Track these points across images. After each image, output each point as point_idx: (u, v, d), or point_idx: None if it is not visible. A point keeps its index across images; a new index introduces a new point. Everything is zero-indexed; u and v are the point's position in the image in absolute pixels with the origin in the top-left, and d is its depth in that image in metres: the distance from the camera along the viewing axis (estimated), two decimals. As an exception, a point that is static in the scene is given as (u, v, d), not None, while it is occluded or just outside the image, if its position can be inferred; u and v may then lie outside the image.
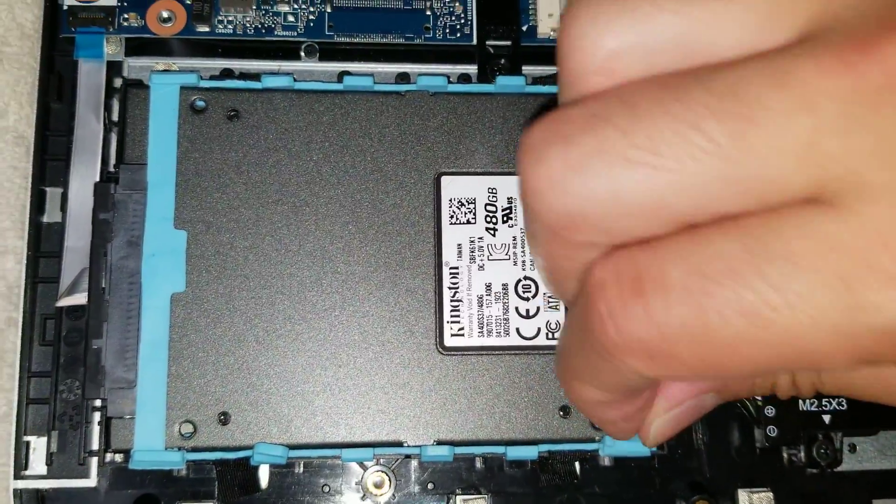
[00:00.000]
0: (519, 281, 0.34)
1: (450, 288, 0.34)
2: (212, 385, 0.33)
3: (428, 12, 0.38)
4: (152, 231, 0.33)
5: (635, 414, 0.25)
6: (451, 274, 0.34)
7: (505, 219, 0.34)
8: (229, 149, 0.34)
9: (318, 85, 0.35)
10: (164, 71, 0.36)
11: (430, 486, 0.35)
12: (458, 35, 0.38)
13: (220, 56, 0.37)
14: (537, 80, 0.36)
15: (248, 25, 0.37)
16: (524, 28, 0.38)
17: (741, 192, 0.17)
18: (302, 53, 0.37)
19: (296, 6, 0.37)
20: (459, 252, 0.34)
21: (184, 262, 0.33)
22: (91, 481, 0.34)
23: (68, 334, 0.35)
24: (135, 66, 0.37)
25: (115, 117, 0.36)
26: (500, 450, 0.33)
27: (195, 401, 0.32)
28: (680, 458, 0.35)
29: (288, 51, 0.37)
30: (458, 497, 0.34)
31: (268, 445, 0.32)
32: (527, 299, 0.34)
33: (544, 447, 0.33)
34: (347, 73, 0.37)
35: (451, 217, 0.34)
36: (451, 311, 0.34)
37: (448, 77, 0.36)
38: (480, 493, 0.34)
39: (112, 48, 0.37)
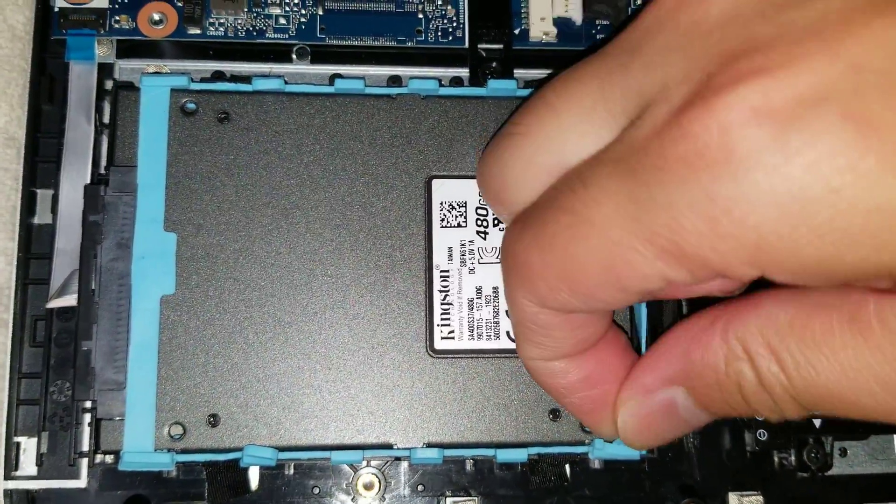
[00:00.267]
0: (509, 284, 0.34)
1: (440, 291, 0.33)
2: (201, 387, 0.32)
3: (420, 15, 0.37)
4: (142, 233, 0.33)
5: (592, 395, 0.25)
6: (441, 277, 0.33)
7: (496, 222, 0.34)
8: (220, 151, 0.34)
9: (309, 88, 0.35)
10: (155, 73, 0.35)
11: (419, 488, 0.34)
12: (450, 38, 0.37)
13: (212, 58, 0.36)
14: (529, 84, 0.36)
15: (239, 28, 0.36)
16: (516, 31, 0.38)
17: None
18: (293, 56, 0.37)
19: (287, 9, 0.37)
20: (450, 255, 0.34)
21: (173, 264, 0.33)
22: (81, 482, 0.33)
23: (58, 336, 0.34)
24: (126, 68, 0.36)
25: (105, 119, 0.35)
26: (490, 452, 0.33)
27: (185, 403, 0.32)
28: (670, 461, 0.35)
29: (279, 53, 0.37)
30: (448, 499, 0.34)
31: (257, 447, 0.32)
32: (517, 302, 0.33)
33: (534, 450, 0.33)
34: (339, 75, 0.36)
35: (442, 220, 0.34)
36: (442, 314, 0.33)
37: (439, 80, 0.35)
38: (470, 496, 0.34)
39: (103, 50, 0.36)
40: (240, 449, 0.32)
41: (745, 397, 0.22)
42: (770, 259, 0.18)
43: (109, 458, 0.33)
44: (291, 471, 0.34)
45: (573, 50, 0.37)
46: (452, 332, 0.33)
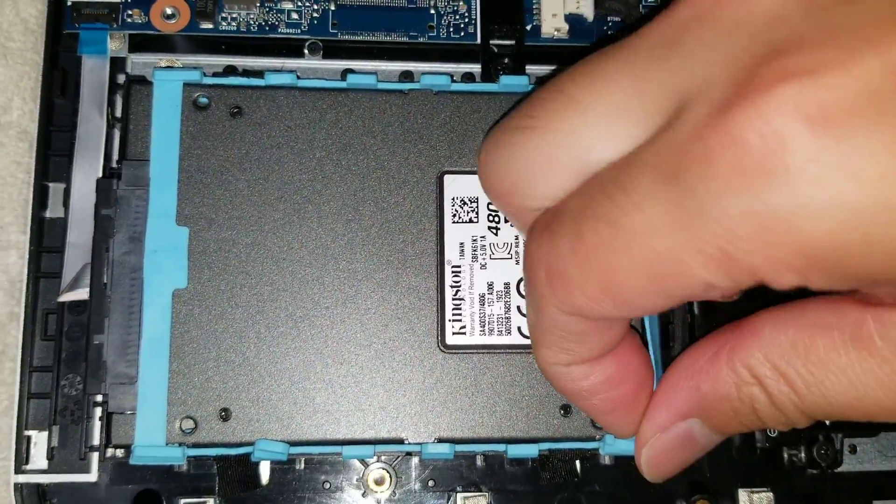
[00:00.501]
0: (521, 280, 0.33)
1: (452, 286, 0.33)
2: (213, 381, 0.32)
3: (432, 11, 0.37)
4: (154, 227, 0.32)
5: (612, 395, 0.25)
6: (453, 272, 0.33)
7: (507, 218, 0.33)
8: (232, 146, 0.33)
9: (321, 83, 0.34)
10: (167, 67, 0.35)
11: (430, 483, 0.34)
12: (462, 34, 0.37)
13: (224, 53, 0.36)
14: (541, 80, 0.35)
15: (251, 22, 0.36)
16: (528, 27, 0.37)
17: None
18: (305, 51, 0.36)
19: (300, 4, 0.36)
20: (462, 250, 0.33)
21: (186, 258, 0.32)
22: (92, 476, 0.33)
23: (70, 329, 0.34)
24: (138, 62, 0.36)
25: (118, 113, 0.35)
26: (500, 448, 0.32)
27: (196, 397, 0.32)
28: (678, 471, 0.34)
29: (291, 48, 0.36)
30: (458, 495, 0.33)
31: (268, 442, 0.31)
32: (528, 298, 0.33)
33: (545, 445, 0.32)
34: (351, 70, 0.36)
35: (454, 215, 0.33)
36: (453, 309, 0.33)
37: (451, 76, 0.35)
38: (481, 491, 0.34)
39: (115, 44, 0.36)
40: (251, 443, 0.31)
41: (760, 417, 0.22)
42: (819, 268, 0.17)
43: (120, 453, 0.33)
44: (302, 465, 0.34)
45: (584, 46, 0.37)
46: (464, 327, 0.33)
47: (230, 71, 0.35)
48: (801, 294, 0.20)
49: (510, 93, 0.34)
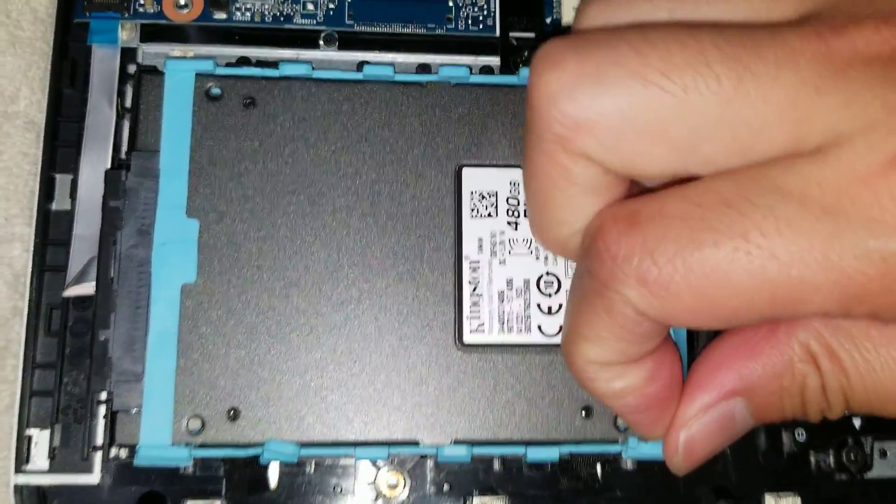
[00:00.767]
0: (541, 277, 0.31)
1: (470, 283, 0.31)
2: (222, 379, 0.30)
3: (450, 3, 0.35)
4: (163, 219, 0.31)
5: (647, 392, 0.23)
6: (471, 268, 0.31)
7: (526, 213, 0.32)
8: (245, 137, 0.32)
9: (337, 74, 0.33)
10: (180, 58, 0.33)
11: (445, 487, 0.32)
12: (481, 26, 0.35)
13: (237, 44, 0.34)
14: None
15: (266, 13, 0.34)
16: (548, 20, 0.36)
17: (731, 137, 0.19)
18: (321, 42, 0.35)
19: (315, -6, 0.35)
20: (480, 246, 0.31)
21: (195, 251, 0.31)
22: (94, 477, 0.31)
23: (74, 325, 0.32)
24: (149, 52, 0.34)
25: (128, 104, 0.33)
26: (520, 450, 0.30)
27: (204, 395, 0.30)
28: (704, 461, 0.33)
29: (306, 39, 0.35)
30: (475, 499, 0.32)
31: (279, 443, 0.29)
32: (549, 295, 0.31)
33: (566, 448, 0.30)
34: (367, 62, 0.34)
35: (472, 210, 0.32)
36: (471, 306, 0.31)
37: (470, 68, 0.33)
38: (498, 496, 0.32)
39: (127, 34, 0.34)
40: (260, 444, 0.30)
41: (805, 400, 0.21)
42: None
43: (124, 453, 0.31)
44: (312, 468, 0.32)
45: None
46: (482, 324, 0.31)
47: (243, 62, 0.34)
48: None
49: (530, 86, 0.33)
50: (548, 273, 0.31)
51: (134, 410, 0.30)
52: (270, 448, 0.29)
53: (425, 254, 0.31)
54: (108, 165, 0.33)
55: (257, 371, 0.30)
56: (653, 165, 0.20)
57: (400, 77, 0.33)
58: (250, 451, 0.30)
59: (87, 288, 0.31)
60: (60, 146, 0.33)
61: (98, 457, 0.31)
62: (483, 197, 0.32)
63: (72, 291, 0.32)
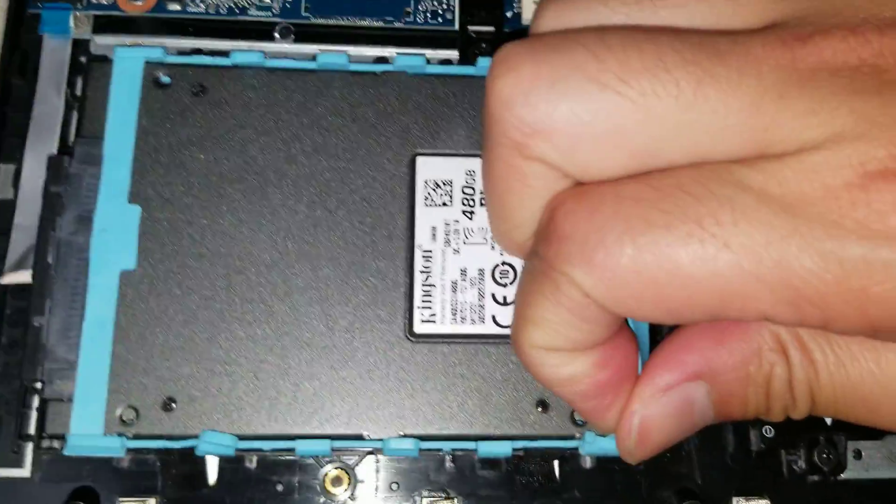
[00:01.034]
0: (496, 266, 0.30)
1: (422, 272, 0.30)
2: (158, 369, 0.28)
3: (409, -5, 0.34)
4: (105, 205, 0.29)
5: (598, 378, 0.21)
6: (423, 257, 0.30)
7: (483, 202, 0.30)
8: (192, 125, 0.30)
9: (289, 63, 0.32)
10: (130, 46, 0.32)
11: (393, 486, 0.30)
12: (440, 20, 0.34)
13: (191, 35, 0.33)
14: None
15: (220, 5, 0.34)
16: (508, 14, 0.35)
17: (691, 143, 0.18)
18: (276, 34, 0.33)
19: (271, -15, 0.34)
20: (434, 235, 0.30)
21: (136, 238, 0.29)
22: (25, 471, 0.29)
23: (12, 314, 0.30)
24: (102, 44, 0.33)
25: (78, 93, 0.32)
26: (471, 445, 0.28)
27: (139, 384, 0.28)
28: (669, 462, 0.30)
29: (262, 32, 0.33)
30: (424, 499, 0.29)
31: (215, 434, 0.28)
32: (504, 285, 0.30)
33: (519, 443, 0.28)
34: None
35: (426, 198, 0.30)
36: (423, 295, 0.29)
37: (427, 58, 0.32)
38: (449, 496, 0.30)
39: (81, 27, 0.33)
40: (196, 435, 0.28)
41: (770, 393, 0.20)
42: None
43: (57, 444, 0.29)
44: (254, 464, 0.30)
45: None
46: (434, 315, 0.29)
47: (197, 54, 0.33)
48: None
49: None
50: (503, 263, 0.30)
51: (67, 399, 0.28)
52: (206, 439, 0.28)
53: (376, 242, 0.30)
54: (54, 155, 0.31)
55: (195, 361, 0.28)
56: (611, 170, 0.19)
57: (355, 66, 0.32)
58: (185, 443, 0.28)
59: (25, 276, 0.30)
60: (6, 136, 0.32)
61: (29, 448, 0.29)
62: (438, 185, 0.31)
63: (8, 279, 0.30)
